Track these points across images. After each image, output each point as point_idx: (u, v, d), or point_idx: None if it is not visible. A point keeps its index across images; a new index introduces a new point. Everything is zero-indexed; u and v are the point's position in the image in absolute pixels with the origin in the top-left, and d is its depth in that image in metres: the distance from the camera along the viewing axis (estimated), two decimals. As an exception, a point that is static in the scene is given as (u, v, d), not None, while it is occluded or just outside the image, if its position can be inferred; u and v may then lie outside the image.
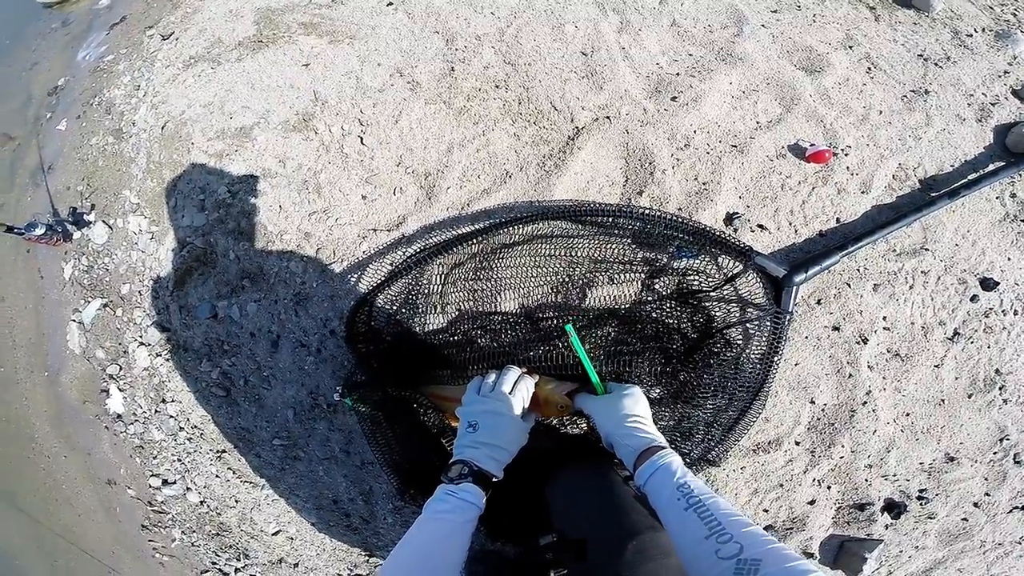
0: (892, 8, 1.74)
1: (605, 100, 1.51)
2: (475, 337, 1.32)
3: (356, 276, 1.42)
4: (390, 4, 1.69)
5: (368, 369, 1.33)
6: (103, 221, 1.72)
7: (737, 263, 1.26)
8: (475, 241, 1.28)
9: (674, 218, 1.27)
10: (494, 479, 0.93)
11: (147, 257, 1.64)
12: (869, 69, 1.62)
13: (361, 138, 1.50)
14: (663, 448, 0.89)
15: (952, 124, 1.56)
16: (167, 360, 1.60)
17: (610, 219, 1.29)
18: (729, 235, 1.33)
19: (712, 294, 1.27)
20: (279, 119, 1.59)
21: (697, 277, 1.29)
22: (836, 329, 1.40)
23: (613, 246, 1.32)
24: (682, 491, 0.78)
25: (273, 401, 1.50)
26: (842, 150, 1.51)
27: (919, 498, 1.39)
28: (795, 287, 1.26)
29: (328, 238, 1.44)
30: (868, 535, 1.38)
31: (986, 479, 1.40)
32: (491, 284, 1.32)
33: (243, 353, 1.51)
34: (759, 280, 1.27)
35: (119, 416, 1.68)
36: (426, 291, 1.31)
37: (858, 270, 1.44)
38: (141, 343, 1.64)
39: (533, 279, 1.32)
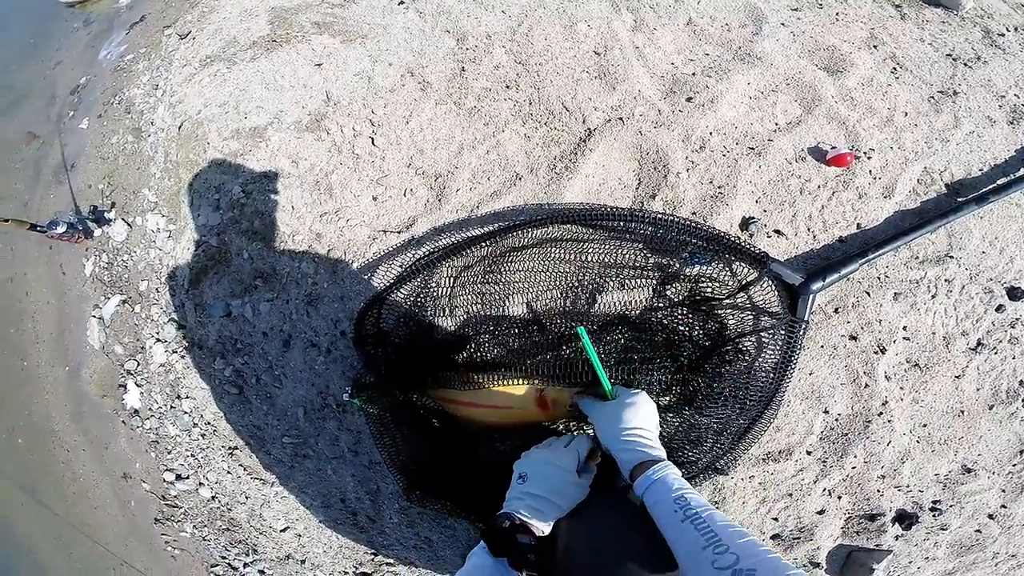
0: (919, 6, 1.63)
1: (618, 100, 1.44)
2: (484, 341, 1.28)
3: (367, 277, 1.37)
4: (401, 3, 1.63)
5: (376, 371, 1.29)
6: (123, 219, 1.70)
7: (752, 270, 1.18)
8: (484, 244, 1.23)
9: (687, 223, 1.20)
10: (540, 533, 0.87)
11: (164, 255, 1.61)
12: (894, 69, 1.52)
13: (372, 139, 1.45)
14: (659, 461, 0.86)
15: (982, 126, 1.46)
16: (182, 357, 1.58)
17: (622, 223, 1.23)
18: (744, 241, 1.26)
19: (725, 302, 1.20)
20: (292, 119, 1.54)
21: (710, 284, 1.22)
22: (853, 338, 1.32)
23: (624, 251, 1.24)
24: (679, 503, 0.77)
25: (284, 399, 1.47)
26: (864, 153, 1.42)
27: (932, 509, 1.32)
28: (812, 295, 1.19)
29: (339, 239, 1.39)
30: (877, 545, 1.32)
31: (1003, 491, 1.32)
32: (500, 288, 1.26)
33: (255, 352, 1.48)
34: (774, 288, 1.19)
35: (136, 411, 1.66)
36: (435, 294, 1.26)
37: (879, 278, 1.35)
38: (158, 339, 1.61)
39: (543, 283, 1.26)
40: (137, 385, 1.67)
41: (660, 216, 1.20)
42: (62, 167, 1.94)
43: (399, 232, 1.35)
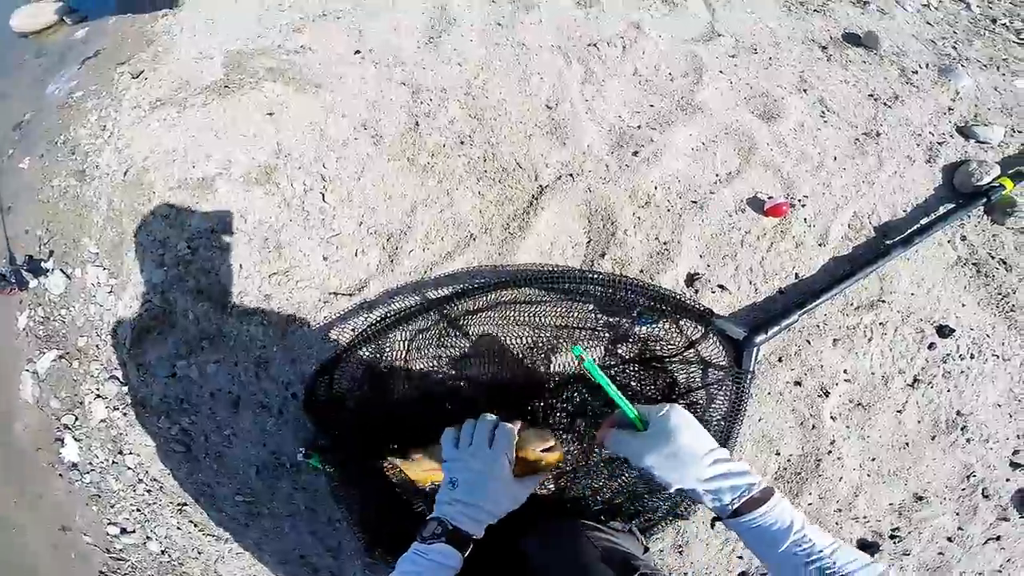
0: (843, 47, 1.63)
1: (568, 156, 1.38)
2: (441, 405, 1.20)
3: (318, 341, 1.27)
4: (358, 52, 1.54)
5: (330, 434, 1.20)
6: (61, 270, 1.54)
7: (698, 327, 1.18)
8: (439, 309, 1.17)
9: (635, 283, 1.18)
10: (473, 538, 0.81)
11: (105, 311, 1.46)
12: (823, 113, 1.52)
13: (323, 195, 1.34)
14: (769, 493, 0.71)
15: (903, 166, 1.47)
16: (124, 414, 1.44)
17: (572, 285, 1.19)
18: (690, 298, 1.24)
19: (675, 358, 1.18)
20: (241, 170, 1.42)
21: (659, 343, 1.20)
22: (798, 384, 1.32)
23: (576, 312, 1.21)
24: (799, 545, 0.67)
25: (235, 459, 1.35)
26: (799, 200, 1.40)
27: (892, 537, 1.33)
28: (755, 348, 1.18)
29: (289, 301, 1.28)
30: None
31: (957, 514, 1.33)
32: (456, 351, 1.20)
33: (203, 412, 1.36)
34: (720, 342, 1.18)
35: (74, 465, 1.51)
36: (389, 357, 1.18)
37: (817, 326, 1.35)
38: (98, 395, 1.47)
39: (498, 345, 1.21)
40: (75, 439, 1.52)
41: (608, 277, 1.19)
42: (-2, 209, 1.77)
43: (351, 295, 1.26)
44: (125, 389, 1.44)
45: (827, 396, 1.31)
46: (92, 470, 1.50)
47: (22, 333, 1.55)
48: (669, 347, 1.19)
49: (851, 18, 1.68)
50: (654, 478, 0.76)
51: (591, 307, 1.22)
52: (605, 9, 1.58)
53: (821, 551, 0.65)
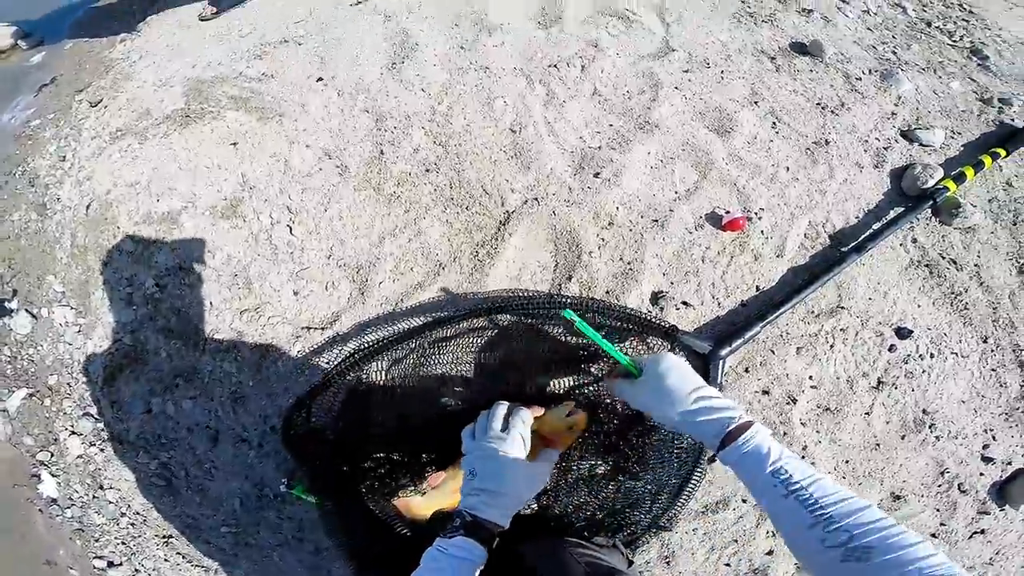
0: (791, 56, 1.66)
1: (532, 180, 1.39)
2: (420, 432, 1.22)
3: (293, 376, 1.26)
4: (320, 80, 1.52)
5: (310, 467, 1.21)
6: (26, 310, 1.51)
7: (664, 343, 1.20)
8: (411, 341, 1.17)
9: (600, 304, 1.20)
10: (498, 529, 0.79)
11: (75, 350, 1.44)
12: (774, 124, 1.54)
13: (290, 228, 1.33)
14: (746, 426, 0.73)
15: (853, 173, 1.50)
16: (102, 450, 1.42)
17: (541, 311, 1.21)
18: (654, 316, 1.26)
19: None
20: (207, 204, 1.40)
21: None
22: (766, 393, 1.33)
23: (548, 335, 1.23)
24: (778, 476, 0.66)
25: (217, 491, 1.35)
26: (756, 213, 1.43)
27: None
28: (721, 360, 1.21)
29: (262, 337, 1.28)
30: None
31: (937, 510, 1.33)
32: (432, 380, 1.21)
33: (182, 447, 1.35)
34: (686, 357, 1.19)
35: (54, 500, 1.50)
36: (366, 388, 1.19)
37: (781, 336, 1.37)
38: (73, 432, 1.44)
39: (473, 371, 1.22)
40: (52, 475, 1.49)
41: (573, 301, 1.20)
42: (-44, 247, 1.71)
43: (323, 329, 1.25)
44: (100, 425, 1.42)
45: (795, 403, 1.33)
46: (72, 505, 1.48)
47: (-11, 373, 1.52)
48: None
49: (797, 27, 1.71)
50: (657, 420, 0.84)
51: (560, 329, 1.24)
52: (565, 29, 1.58)
53: (799, 482, 0.65)
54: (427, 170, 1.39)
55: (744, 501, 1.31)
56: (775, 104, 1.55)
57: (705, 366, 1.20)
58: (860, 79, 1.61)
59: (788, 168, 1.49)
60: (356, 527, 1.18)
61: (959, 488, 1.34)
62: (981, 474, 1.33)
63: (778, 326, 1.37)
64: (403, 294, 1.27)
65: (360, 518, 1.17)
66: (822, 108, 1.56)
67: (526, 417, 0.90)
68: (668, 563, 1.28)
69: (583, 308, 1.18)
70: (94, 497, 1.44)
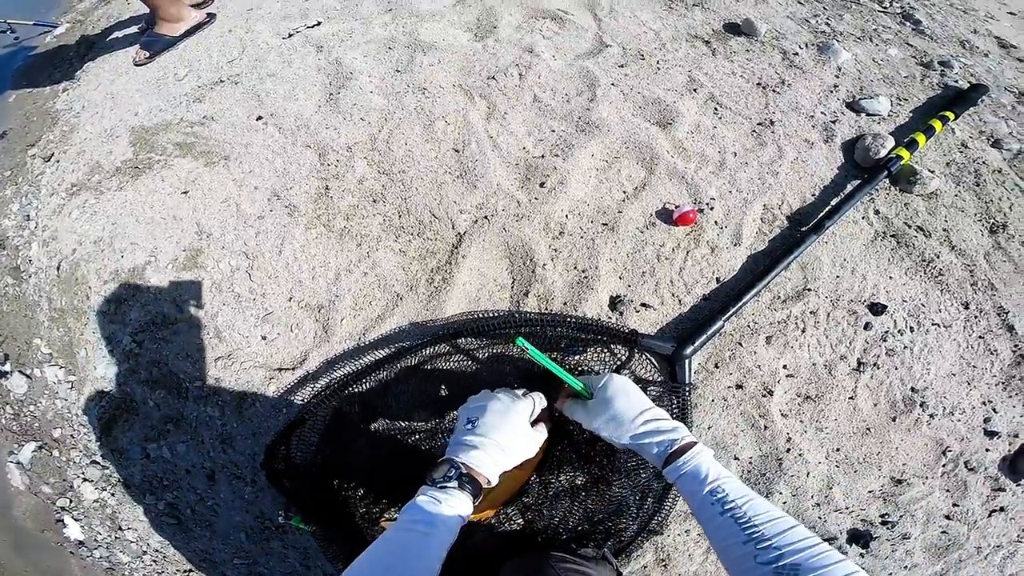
0: (725, 39, 1.59)
1: (480, 198, 1.39)
2: (396, 458, 1.27)
3: (272, 415, 1.32)
4: (260, 118, 1.50)
5: (298, 501, 1.28)
6: (19, 371, 1.56)
7: (625, 349, 1.19)
8: (376, 373, 1.21)
9: (557, 317, 1.21)
10: (485, 484, 0.77)
11: (70, 404, 1.50)
12: (716, 109, 1.49)
13: (249, 274, 1.36)
14: (687, 447, 0.76)
15: (803, 150, 1.45)
16: (113, 494, 1.51)
17: (500, 331, 1.23)
18: (614, 323, 1.25)
19: None
20: (168, 257, 1.42)
21: (591, 371, 1.20)
22: (740, 387, 1.29)
23: (509, 355, 1.25)
24: (714, 495, 0.69)
25: (223, 526, 1.44)
26: (707, 204, 1.40)
27: (884, 523, 1.24)
28: (687, 359, 1.20)
29: (238, 381, 1.33)
30: None
31: (947, 491, 1.25)
32: (402, 407, 1.25)
33: (183, 486, 1.43)
34: (652, 360, 1.20)
35: (81, 543, 1.60)
36: (337, 423, 1.25)
37: (748, 326, 1.32)
38: (85, 479, 1.53)
39: (441, 395, 1.25)
40: (75, 519, 1.59)
41: (529, 316, 1.20)
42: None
43: (293, 369, 1.30)
44: (108, 471, 1.50)
45: (772, 395, 1.28)
46: (99, 546, 1.57)
47: (-3, 431, 1.59)
48: (602, 373, 1.15)
49: (728, 7, 1.65)
50: (608, 438, 0.86)
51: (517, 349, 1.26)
52: (500, 38, 1.54)
53: (734, 500, 0.67)
54: (374, 201, 1.39)
55: (734, 498, 1.29)
56: (715, 89, 1.52)
57: (672, 366, 1.19)
58: (797, 54, 1.57)
59: (735, 153, 1.45)
60: (353, 552, 1.24)
61: (966, 466, 1.26)
62: (987, 450, 1.25)
63: (744, 317, 1.33)
64: (365, 328, 1.30)
65: (355, 543, 1.20)
66: (763, 88, 1.53)
67: (542, 397, 0.92)
68: (665, 566, 1.25)
69: (540, 324, 1.16)
70: (116, 538, 1.53)
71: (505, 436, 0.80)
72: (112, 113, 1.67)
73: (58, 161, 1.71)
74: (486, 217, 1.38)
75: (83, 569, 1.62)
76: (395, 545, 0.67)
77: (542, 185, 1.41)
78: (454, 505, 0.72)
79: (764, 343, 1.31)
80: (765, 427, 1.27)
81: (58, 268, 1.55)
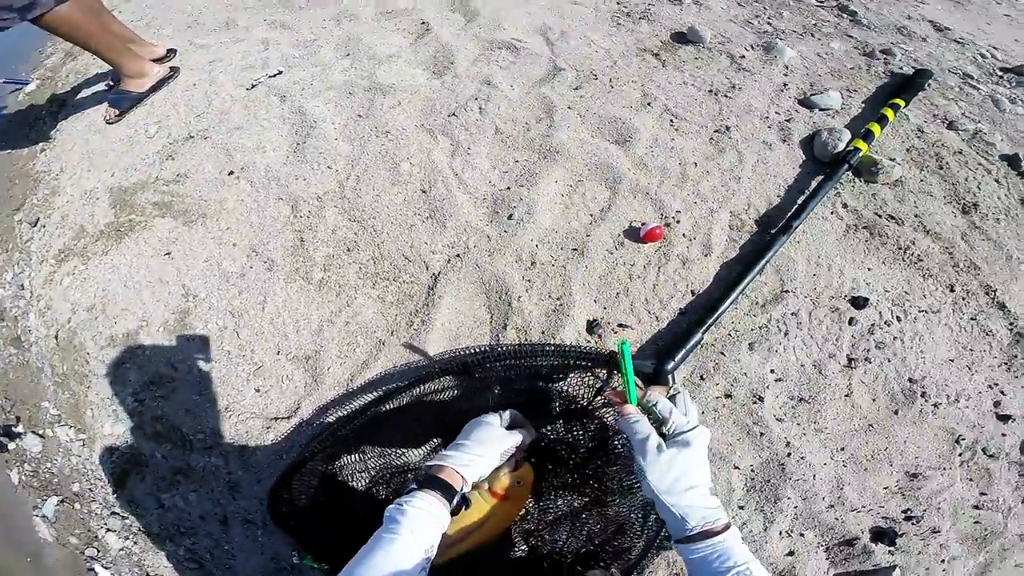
0: (673, 49, 1.58)
1: (451, 237, 1.41)
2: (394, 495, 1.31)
3: (274, 462, 1.38)
4: (231, 173, 1.52)
5: (304, 542, 1.34)
6: (32, 432, 1.62)
7: (604, 372, 1.17)
8: (362, 418, 1.25)
9: (534, 347, 1.23)
10: (461, 488, 0.79)
11: (84, 460, 1.56)
12: (672, 121, 1.47)
13: (237, 332, 1.39)
14: (723, 530, 0.74)
15: (762, 153, 1.44)
16: (136, 542, 1.59)
17: (478, 365, 1.25)
18: (591, 346, 1.26)
19: (595, 405, 1.20)
20: (159, 320, 1.46)
21: (576, 396, 1.22)
22: (728, 396, 1.26)
23: (494, 386, 1.27)
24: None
25: (242, 569, 1.49)
26: (673, 217, 1.40)
27: (907, 518, 1.17)
28: (668, 375, 1.19)
29: (238, 432, 1.38)
30: (875, 565, 1.14)
31: (971, 480, 1.18)
32: (395, 448, 1.29)
33: (199, 533, 1.50)
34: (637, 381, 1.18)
35: (116, 587, 1.69)
36: (333, 467, 1.30)
37: (729, 335, 1.30)
38: (108, 529, 1.60)
39: (432, 431, 1.28)
40: (105, 567, 1.67)
41: (507, 349, 1.21)
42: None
43: (288, 418, 1.35)
44: (128, 522, 1.56)
45: (762, 400, 1.25)
46: (133, 590, 1.66)
47: (19, 486, 1.66)
48: (586, 397, 1.19)
49: (673, 17, 1.63)
50: (639, 471, 0.80)
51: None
52: (458, 73, 1.53)
53: None
54: (348, 249, 1.42)
55: (741, 507, 1.22)
56: (668, 101, 1.51)
57: (656, 383, 1.16)
58: (744, 56, 1.56)
59: (696, 163, 1.45)
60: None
61: (984, 453, 1.19)
62: (1003, 434, 1.19)
63: (723, 326, 1.31)
64: (352, 374, 1.34)
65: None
66: (715, 94, 1.52)
67: (513, 411, 0.98)
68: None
69: (515, 356, 1.18)
70: (147, 582, 1.62)
71: (475, 436, 0.84)
72: (90, 174, 1.68)
73: (44, 226, 1.73)
74: (458, 255, 1.40)
75: (119, 613, 1.71)
76: (361, 555, 0.68)
77: (510, 217, 1.42)
78: (419, 505, 0.73)
79: (747, 350, 1.29)
80: (761, 433, 1.24)
81: (56, 337, 1.59)
